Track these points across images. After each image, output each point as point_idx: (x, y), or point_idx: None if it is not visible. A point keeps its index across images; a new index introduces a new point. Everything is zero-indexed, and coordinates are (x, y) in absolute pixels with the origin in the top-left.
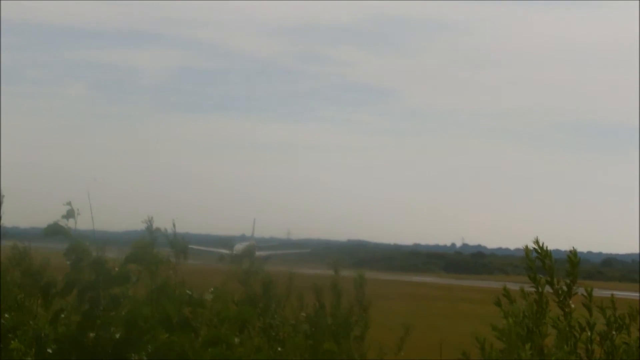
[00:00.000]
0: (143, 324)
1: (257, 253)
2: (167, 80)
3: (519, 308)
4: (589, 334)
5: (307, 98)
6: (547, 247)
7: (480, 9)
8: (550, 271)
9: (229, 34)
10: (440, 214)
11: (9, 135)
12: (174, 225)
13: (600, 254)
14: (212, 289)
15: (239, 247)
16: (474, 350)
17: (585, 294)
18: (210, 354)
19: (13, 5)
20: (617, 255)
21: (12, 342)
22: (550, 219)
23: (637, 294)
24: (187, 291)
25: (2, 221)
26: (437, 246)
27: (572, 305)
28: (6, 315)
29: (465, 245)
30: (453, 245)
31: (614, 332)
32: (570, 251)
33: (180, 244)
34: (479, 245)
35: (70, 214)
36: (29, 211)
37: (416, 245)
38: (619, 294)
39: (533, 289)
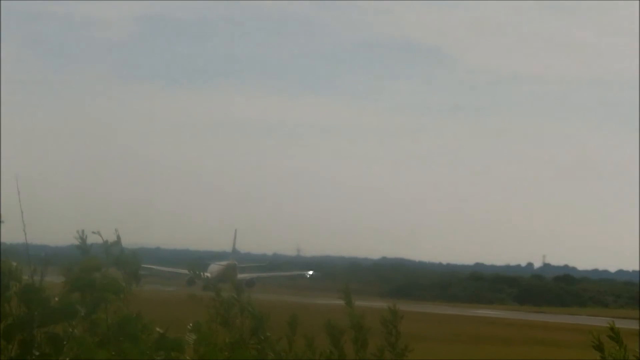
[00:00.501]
0: None
1: (240, 276)
2: (129, 36)
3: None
4: None
5: (324, 61)
6: None
7: None
8: None
9: None
10: (512, 223)
11: None
12: (118, 237)
13: None
14: (190, 325)
15: (213, 267)
16: None
17: None
18: None
19: None
20: None
21: None
22: None
23: None
24: (158, 329)
25: None
26: (507, 267)
27: None
28: None
29: (546, 266)
30: (530, 265)
31: None
32: None
33: (130, 264)
34: (566, 266)
35: None
36: None
37: (478, 266)
38: None
39: None
